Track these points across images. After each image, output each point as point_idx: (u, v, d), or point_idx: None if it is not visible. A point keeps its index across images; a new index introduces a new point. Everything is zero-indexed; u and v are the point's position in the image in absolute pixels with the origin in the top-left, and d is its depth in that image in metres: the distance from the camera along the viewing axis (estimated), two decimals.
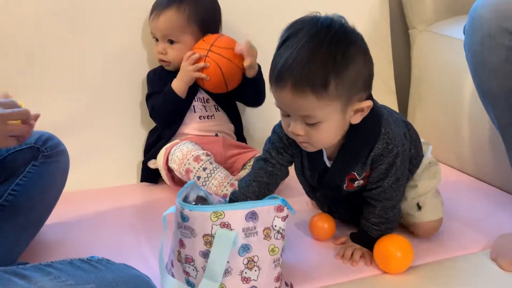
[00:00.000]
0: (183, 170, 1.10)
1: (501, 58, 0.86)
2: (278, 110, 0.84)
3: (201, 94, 1.22)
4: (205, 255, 0.75)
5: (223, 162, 1.17)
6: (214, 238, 0.74)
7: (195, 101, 1.22)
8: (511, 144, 0.92)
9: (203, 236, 0.75)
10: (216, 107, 1.23)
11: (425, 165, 0.98)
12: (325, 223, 0.98)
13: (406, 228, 0.99)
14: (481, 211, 1.11)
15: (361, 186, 0.91)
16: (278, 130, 0.91)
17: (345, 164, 0.88)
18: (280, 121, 0.89)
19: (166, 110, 1.18)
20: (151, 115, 1.22)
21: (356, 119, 0.83)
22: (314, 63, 0.76)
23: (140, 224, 1.06)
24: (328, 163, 0.90)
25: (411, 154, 0.94)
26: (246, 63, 1.15)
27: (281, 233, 0.77)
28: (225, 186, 1.08)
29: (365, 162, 0.87)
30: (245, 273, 0.75)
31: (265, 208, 0.76)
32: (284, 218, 0.77)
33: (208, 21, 1.20)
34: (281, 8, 1.34)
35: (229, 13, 1.25)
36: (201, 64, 1.14)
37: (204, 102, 1.23)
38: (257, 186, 0.90)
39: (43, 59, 1.18)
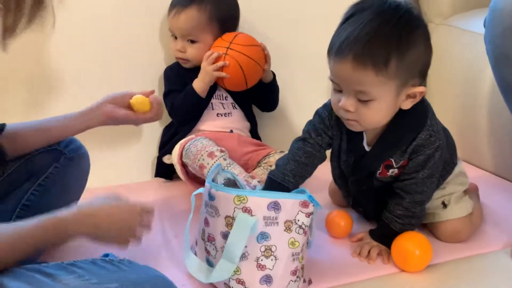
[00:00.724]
0: (197, 165, 1.10)
1: None
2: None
3: (220, 92, 1.22)
4: (225, 236, 0.77)
5: (238, 159, 1.17)
6: (234, 220, 0.75)
7: (213, 98, 1.21)
8: None
9: (225, 217, 0.77)
10: (233, 104, 1.23)
11: (455, 174, 0.97)
12: (342, 221, 0.97)
13: (425, 227, 0.98)
14: (501, 208, 1.09)
15: (394, 176, 0.91)
16: (321, 111, 0.92)
17: (385, 149, 0.88)
18: (324, 104, 0.91)
19: (187, 109, 1.18)
20: (170, 114, 1.21)
21: (407, 104, 0.83)
22: (379, 39, 0.77)
23: (155, 220, 1.05)
24: (367, 148, 0.90)
25: (446, 159, 0.93)
26: (266, 66, 1.18)
27: (303, 229, 0.77)
28: None
29: (406, 150, 0.87)
30: (261, 260, 0.76)
31: (290, 201, 0.77)
32: (308, 215, 0.77)
33: (228, 19, 1.19)
34: (295, 7, 1.33)
35: (245, 10, 1.24)
36: (221, 62, 1.14)
37: (223, 100, 1.22)
38: (294, 165, 0.90)
39: (57, 56, 1.18)
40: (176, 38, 1.19)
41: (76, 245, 0.95)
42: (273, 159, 1.16)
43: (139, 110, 0.95)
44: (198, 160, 1.09)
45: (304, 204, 0.77)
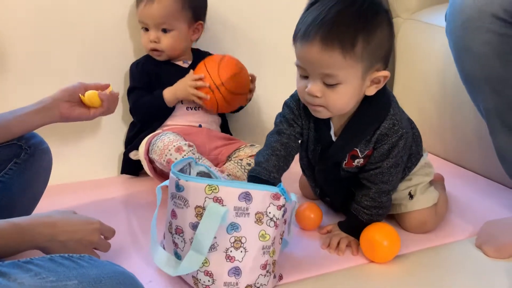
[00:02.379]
0: (164, 161, 1.07)
1: (482, 41, 0.85)
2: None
3: None
4: (195, 227, 0.75)
5: (207, 154, 1.15)
6: (205, 210, 0.74)
7: None
8: (494, 128, 0.92)
9: (195, 208, 0.75)
10: None
11: (421, 166, 0.98)
12: (312, 213, 0.97)
13: (393, 218, 0.99)
14: (466, 198, 1.11)
15: (360, 166, 0.91)
16: (289, 101, 0.92)
17: (350, 139, 0.89)
18: (291, 95, 0.91)
19: (150, 113, 1.16)
20: (131, 111, 1.19)
21: (371, 90, 0.84)
22: (345, 21, 0.78)
23: (122, 216, 1.04)
24: (333, 138, 0.90)
25: (412, 151, 0.94)
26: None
27: (274, 221, 0.76)
28: None
29: (370, 140, 0.88)
30: (230, 251, 0.75)
31: (261, 192, 0.75)
32: (280, 207, 0.76)
33: (200, 7, 1.17)
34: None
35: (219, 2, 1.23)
36: (203, 94, 1.13)
37: None
38: (276, 160, 0.88)
39: (21, 50, 1.13)
40: (146, 29, 1.15)
41: None
42: (243, 153, 1.15)
43: (89, 106, 0.93)
44: (166, 155, 1.07)
45: (276, 197, 0.76)
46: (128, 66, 1.21)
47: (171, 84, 1.16)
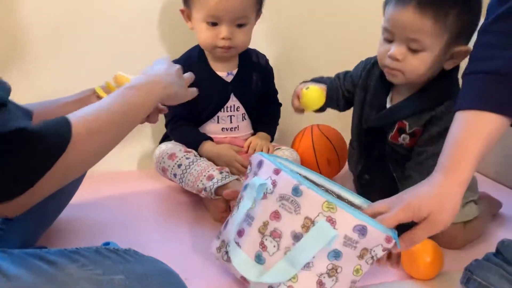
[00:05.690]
0: (160, 169, 1.04)
1: None
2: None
3: (232, 102, 1.09)
4: (296, 237, 0.70)
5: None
6: (313, 225, 0.69)
7: (221, 111, 1.08)
8: None
9: (305, 218, 0.70)
10: (243, 115, 1.11)
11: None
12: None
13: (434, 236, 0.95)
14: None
15: (406, 147, 0.92)
16: (360, 64, 1.00)
17: (403, 107, 0.91)
18: (363, 61, 0.99)
19: (181, 142, 1.08)
20: (166, 125, 1.11)
21: (449, 64, 0.87)
22: None
23: (153, 211, 1.05)
24: (388, 104, 0.93)
25: None
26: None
27: (373, 260, 0.72)
28: (201, 180, 0.98)
29: (421, 117, 0.89)
30: (324, 277, 0.70)
31: (378, 232, 0.68)
32: (385, 249, 0.71)
33: None
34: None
35: None
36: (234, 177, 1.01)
37: (234, 111, 1.10)
38: (327, 80, 1.03)
39: (50, 37, 1.13)
40: (213, 24, 1.00)
41: (75, 231, 0.93)
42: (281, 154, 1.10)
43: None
44: (160, 163, 1.04)
45: (388, 240, 0.69)
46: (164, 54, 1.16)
47: (209, 96, 1.05)
